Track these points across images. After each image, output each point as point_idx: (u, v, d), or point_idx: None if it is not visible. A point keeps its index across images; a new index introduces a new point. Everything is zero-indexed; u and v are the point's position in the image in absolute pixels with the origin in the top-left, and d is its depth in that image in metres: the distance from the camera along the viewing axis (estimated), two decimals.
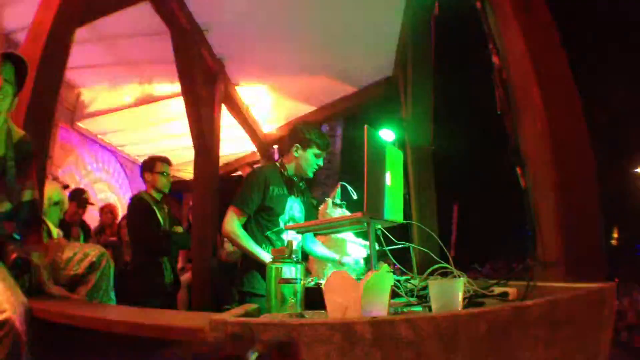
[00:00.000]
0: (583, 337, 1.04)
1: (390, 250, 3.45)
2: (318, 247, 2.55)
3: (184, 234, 3.75)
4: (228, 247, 4.11)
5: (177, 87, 4.56)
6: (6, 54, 1.74)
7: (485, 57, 1.91)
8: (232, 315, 1.09)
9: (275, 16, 3.81)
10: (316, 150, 2.42)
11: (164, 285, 3.32)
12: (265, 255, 2.21)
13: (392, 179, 1.82)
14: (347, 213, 3.52)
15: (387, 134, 4.79)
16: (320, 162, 2.47)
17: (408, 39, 3.77)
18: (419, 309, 1.27)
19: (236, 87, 4.94)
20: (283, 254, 1.42)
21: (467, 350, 0.94)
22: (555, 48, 1.70)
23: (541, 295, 1.10)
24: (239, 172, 7.24)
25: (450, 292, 1.13)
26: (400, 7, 3.63)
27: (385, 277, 1.12)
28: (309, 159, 2.42)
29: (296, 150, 2.41)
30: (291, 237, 2.39)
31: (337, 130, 8.02)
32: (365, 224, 1.70)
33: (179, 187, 6.42)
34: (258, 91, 5.17)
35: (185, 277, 4.14)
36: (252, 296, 2.27)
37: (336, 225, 1.92)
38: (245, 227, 2.32)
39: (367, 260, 2.42)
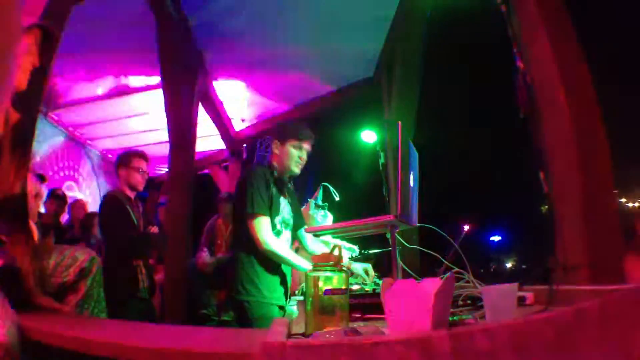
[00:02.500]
0: (629, 335, 1.06)
1: (375, 254, 3.36)
2: (321, 247, 2.44)
3: (160, 234, 3.52)
4: (206, 257, 3.90)
5: (152, 79, 4.33)
6: (40, 26, 1.58)
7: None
8: (285, 335, 0.97)
9: (259, 10, 3.69)
10: (294, 142, 2.27)
11: (140, 291, 3.11)
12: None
13: (413, 180, 1.76)
14: (329, 215, 3.45)
15: (368, 135, 4.76)
16: (303, 155, 2.34)
17: (398, 41, 3.75)
18: (468, 316, 1.21)
19: (213, 82, 4.76)
20: (326, 261, 1.23)
21: (538, 357, 0.92)
22: (579, 53, 1.72)
23: (566, 299, 1.09)
24: (207, 171, 6.99)
25: (506, 298, 1.08)
26: (392, 6, 3.61)
27: (451, 284, 1.05)
28: (289, 153, 2.27)
29: (276, 147, 2.30)
30: (284, 238, 2.29)
31: None
32: (389, 227, 1.64)
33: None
34: (234, 87, 4.99)
35: (157, 278, 3.91)
36: (250, 304, 2.13)
37: (360, 229, 1.82)
38: (241, 228, 2.18)
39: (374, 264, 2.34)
